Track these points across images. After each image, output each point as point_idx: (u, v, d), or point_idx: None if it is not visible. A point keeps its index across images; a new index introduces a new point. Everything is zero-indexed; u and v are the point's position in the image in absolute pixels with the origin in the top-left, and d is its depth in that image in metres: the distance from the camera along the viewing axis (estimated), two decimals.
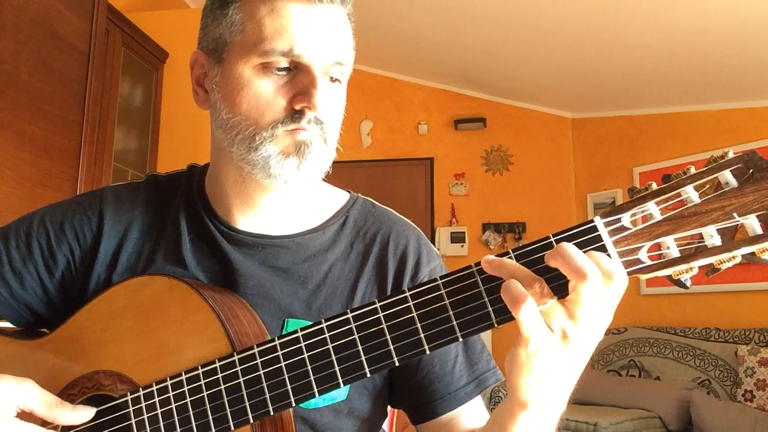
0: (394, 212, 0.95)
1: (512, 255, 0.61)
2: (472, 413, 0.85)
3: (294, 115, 0.76)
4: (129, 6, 3.75)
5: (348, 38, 0.81)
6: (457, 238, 4.95)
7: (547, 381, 0.60)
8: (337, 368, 0.64)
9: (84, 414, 0.73)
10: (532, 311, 0.56)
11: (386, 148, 5.25)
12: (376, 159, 5.21)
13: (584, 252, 0.57)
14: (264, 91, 0.76)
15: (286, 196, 0.84)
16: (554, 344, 0.58)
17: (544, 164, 5.02)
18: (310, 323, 0.67)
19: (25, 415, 0.70)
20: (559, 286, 0.58)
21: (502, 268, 0.59)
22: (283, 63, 0.76)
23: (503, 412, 0.68)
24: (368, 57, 4.92)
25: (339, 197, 0.94)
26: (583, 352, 0.59)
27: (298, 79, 0.76)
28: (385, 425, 0.95)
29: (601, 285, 0.55)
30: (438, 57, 4.72)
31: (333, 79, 0.80)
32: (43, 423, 0.71)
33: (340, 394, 0.81)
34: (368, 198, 0.96)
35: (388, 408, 0.93)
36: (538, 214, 4.91)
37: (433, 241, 4.89)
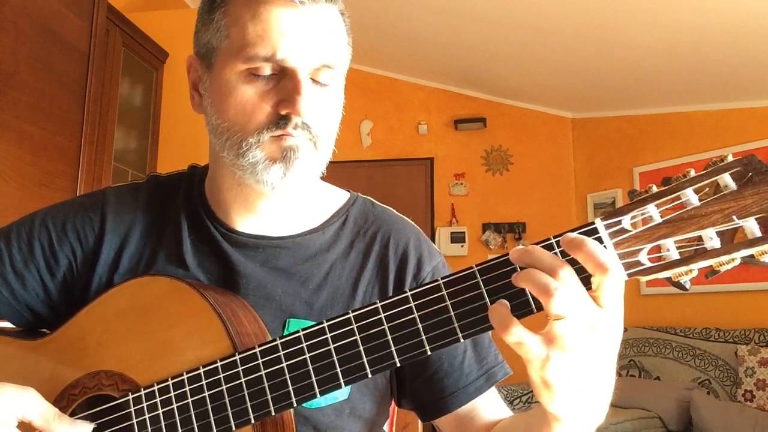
0: (394, 211, 0.96)
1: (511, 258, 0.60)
2: (489, 405, 0.86)
3: (279, 120, 0.75)
4: (129, 6, 3.75)
5: (338, 37, 0.79)
6: (457, 238, 4.95)
7: (572, 395, 0.59)
8: (338, 369, 0.65)
9: (82, 428, 0.71)
10: (519, 334, 0.56)
11: (386, 148, 5.24)
12: (376, 159, 5.21)
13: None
14: (250, 97, 0.75)
15: (284, 199, 0.84)
16: (560, 359, 0.56)
17: (544, 164, 5.02)
18: (312, 323, 0.67)
19: (24, 425, 0.70)
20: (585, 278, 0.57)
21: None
22: (268, 68, 0.75)
23: (538, 420, 0.67)
24: (368, 57, 4.92)
25: (339, 197, 0.94)
26: (594, 356, 0.57)
27: (283, 84, 0.75)
28: (385, 426, 0.95)
29: (574, 286, 0.55)
30: (438, 57, 4.72)
31: (321, 84, 0.78)
32: None
33: (342, 393, 0.82)
34: (368, 197, 0.97)
35: (389, 408, 0.93)
36: (538, 214, 4.91)
37: (432, 241, 4.88)
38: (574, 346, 0.56)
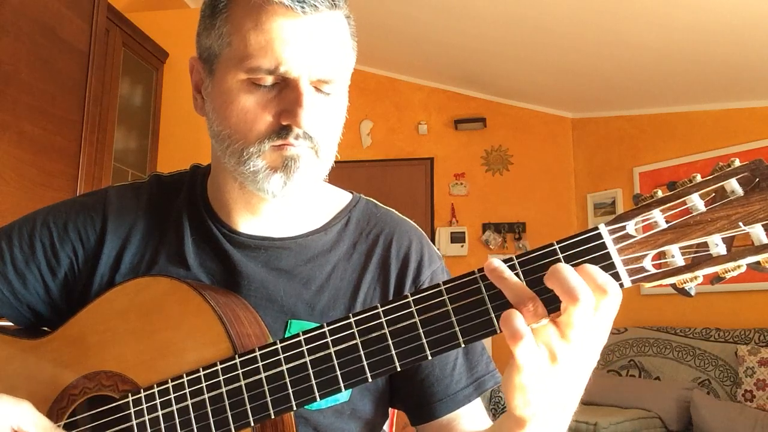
0: (397, 213, 0.95)
1: (516, 263, 0.60)
2: (471, 416, 0.85)
3: (281, 130, 0.74)
4: (129, 6, 3.75)
5: (342, 45, 0.78)
6: (457, 238, 4.95)
7: (542, 399, 0.60)
8: (338, 372, 0.64)
9: None
10: (529, 346, 0.56)
11: (386, 148, 5.25)
12: (376, 159, 5.21)
13: (580, 262, 0.57)
14: (251, 106, 0.75)
15: (286, 202, 0.84)
16: (544, 365, 0.57)
17: (544, 164, 5.02)
18: (313, 326, 0.67)
19: None
20: (555, 300, 0.57)
21: (502, 281, 0.59)
22: (270, 79, 0.74)
23: (503, 428, 0.67)
24: (368, 57, 4.92)
25: (341, 198, 0.93)
26: (579, 368, 0.59)
27: (285, 95, 0.74)
28: (385, 426, 0.95)
29: (593, 308, 0.55)
30: (438, 57, 4.72)
31: (324, 93, 0.77)
32: None
33: (343, 395, 0.82)
34: (371, 198, 0.96)
35: (389, 409, 0.93)
36: (538, 214, 4.91)
37: (433, 241, 4.89)
38: (567, 357, 0.57)
